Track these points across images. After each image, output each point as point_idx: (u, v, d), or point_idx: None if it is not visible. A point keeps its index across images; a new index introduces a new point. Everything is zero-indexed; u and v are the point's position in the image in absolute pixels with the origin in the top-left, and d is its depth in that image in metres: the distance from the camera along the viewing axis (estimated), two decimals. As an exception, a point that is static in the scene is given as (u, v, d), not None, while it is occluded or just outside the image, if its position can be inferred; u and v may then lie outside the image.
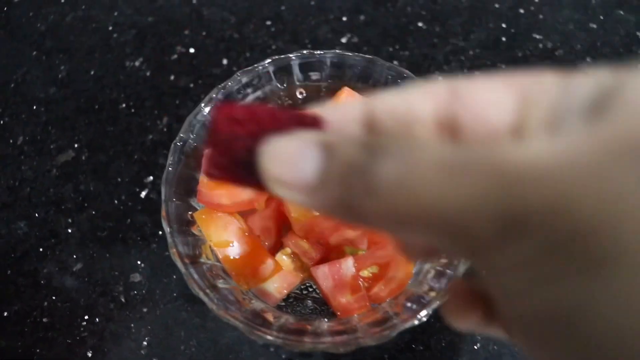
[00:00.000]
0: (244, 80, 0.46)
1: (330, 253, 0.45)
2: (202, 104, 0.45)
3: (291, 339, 0.38)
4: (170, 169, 0.43)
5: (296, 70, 0.47)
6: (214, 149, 0.20)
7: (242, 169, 0.19)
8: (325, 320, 0.42)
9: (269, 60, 0.46)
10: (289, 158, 0.17)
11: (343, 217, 0.17)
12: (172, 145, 0.44)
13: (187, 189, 0.44)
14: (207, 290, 0.39)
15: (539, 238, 0.14)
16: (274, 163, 0.17)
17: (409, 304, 0.40)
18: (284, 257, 0.44)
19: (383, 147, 0.16)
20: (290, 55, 0.46)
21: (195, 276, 0.39)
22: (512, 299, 0.16)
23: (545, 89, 0.18)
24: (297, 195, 0.17)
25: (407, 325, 0.38)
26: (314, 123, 0.19)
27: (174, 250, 0.40)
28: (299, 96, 0.49)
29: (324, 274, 0.43)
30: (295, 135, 0.17)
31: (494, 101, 0.18)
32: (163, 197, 0.42)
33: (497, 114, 0.18)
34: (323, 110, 0.20)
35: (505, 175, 0.14)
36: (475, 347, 0.48)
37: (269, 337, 0.37)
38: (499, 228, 0.14)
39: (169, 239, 0.41)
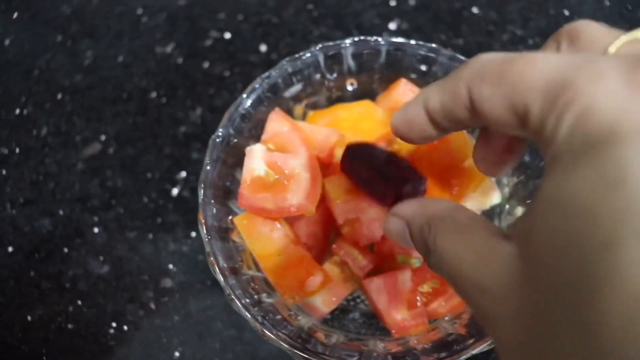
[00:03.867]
0: (290, 69, 0.42)
1: (383, 263, 0.41)
2: (244, 95, 0.40)
3: None
4: (208, 167, 0.39)
5: (347, 59, 0.42)
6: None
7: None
8: (380, 341, 0.37)
9: (319, 46, 0.41)
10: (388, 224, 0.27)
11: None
12: (210, 141, 0.39)
13: (227, 190, 0.40)
14: (252, 309, 0.35)
15: None
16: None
17: (476, 325, 0.35)
18: (333, 267, 0.40)
19: (437, 225, 0.23)
20: (342, 42, 0.41)
21: (237, 290, 0.35)
22: None
23: None
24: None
25: (477, 350, 0.34)
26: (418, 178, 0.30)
27: (212, 259, 0.36)
28: (349, 87, 0.44)
29: (377, 287, 0.38)
30: (393, 212, 0.27)
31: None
32: (200, 199, 0.38)
33: None
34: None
35: None
36: None
37: None
38: None
39: (207, 248, 0.37)
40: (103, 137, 0.52)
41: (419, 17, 0.56)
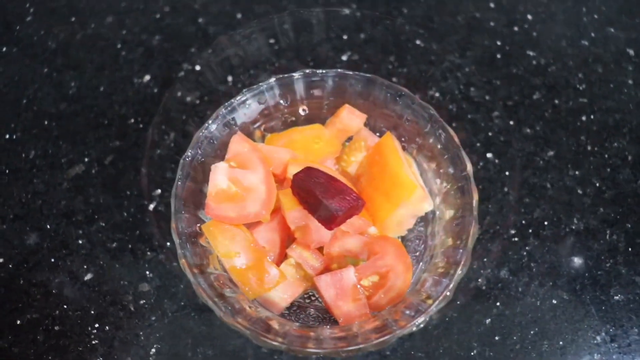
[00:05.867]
0: (249, 97, 0.48)
1: (332, 263, 0.47)
2: (210, 121, 0.47)
3: (295, 345, 0.39)
4: (179, 183, 0.45)
5: (299, 88, 0.49)
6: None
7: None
8: (328, 327, 0.43)
9: (274, 78, 0.48)
10: None
11: None
12: (181, 160, 0.46)
13: (196, 202, 0.46)
14: (215, 299, 0.41)
15: None
16: None
17: (407, 311, 0.42)
18: (288, 267, 0.46)
19: None
20: (294, 74, 0.48)
21: (204, 285, 0.41)
22: None
23: None
24: None
25: (405, 331, 0.40)
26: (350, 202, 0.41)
27: (184, 260, 0.42)
28: (302, 112, 0.51)
29: (326, 283, 0.44)
30: None
31: None
32: (173, 210, 0.44)
33: None
34: None
35: None
36: (472, 353, 0.50)
37: (274, 343, 0.39)
38: None
39: (179, 250, 0.43)
40: (86, 159, 0.58)
41: (369, 49, 0.63)
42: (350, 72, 0.47)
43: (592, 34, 0.66)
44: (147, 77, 0.62)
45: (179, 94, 0.61)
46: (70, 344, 0.50)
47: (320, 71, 0.48)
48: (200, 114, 0.59)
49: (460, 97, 0.61)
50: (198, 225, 0.45)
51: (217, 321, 0.51)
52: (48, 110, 0.61)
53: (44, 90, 0.62)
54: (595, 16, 0.68)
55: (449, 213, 0.47)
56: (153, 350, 0.50)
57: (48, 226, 0.55)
